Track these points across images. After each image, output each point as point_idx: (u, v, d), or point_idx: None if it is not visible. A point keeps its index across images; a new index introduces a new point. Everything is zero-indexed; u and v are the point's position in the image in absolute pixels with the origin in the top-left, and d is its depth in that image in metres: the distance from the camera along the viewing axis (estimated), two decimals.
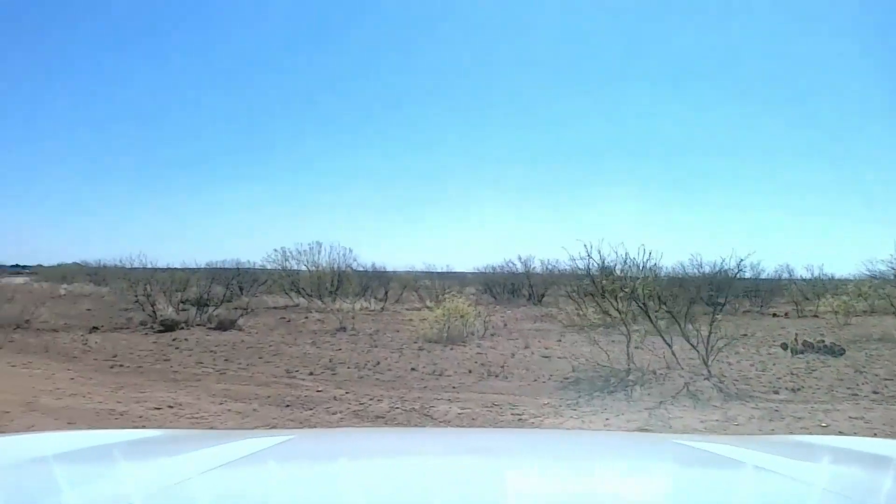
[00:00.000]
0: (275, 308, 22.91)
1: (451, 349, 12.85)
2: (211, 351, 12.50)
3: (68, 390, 8.76)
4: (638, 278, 11.38)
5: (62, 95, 60.86)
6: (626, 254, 11.82)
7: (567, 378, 9.87)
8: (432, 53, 61.25)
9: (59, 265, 45.32)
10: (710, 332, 10.34)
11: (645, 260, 11.88)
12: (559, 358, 11.84)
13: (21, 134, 64.71)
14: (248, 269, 29.38)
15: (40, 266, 52.47)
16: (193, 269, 26.11)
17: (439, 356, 11.92)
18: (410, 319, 19.12)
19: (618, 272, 11.94)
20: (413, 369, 10.49)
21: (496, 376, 10.01)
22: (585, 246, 11.79)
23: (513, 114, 65.41)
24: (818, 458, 2.04)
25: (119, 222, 65.19)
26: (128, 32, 59.13)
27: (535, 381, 9.75)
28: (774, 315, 22.25)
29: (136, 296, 17.62)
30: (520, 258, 30.37)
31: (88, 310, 20.68)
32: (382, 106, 65.90)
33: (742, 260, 11.93)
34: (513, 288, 29.68)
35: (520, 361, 11.39)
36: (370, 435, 3.65)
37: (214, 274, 23.42)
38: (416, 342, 13.77)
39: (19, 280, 30.42)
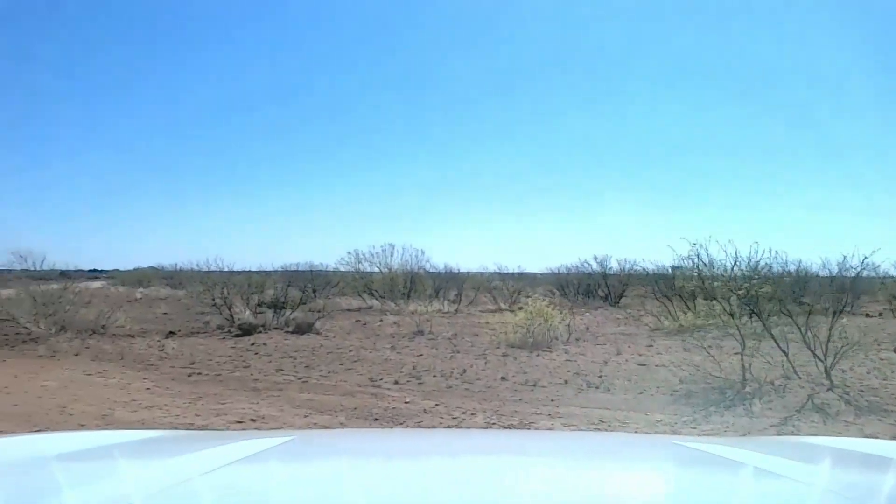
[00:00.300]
0: (349, 310, 22.56)
1: (538, 356, 12.10)
2: (290, 356, 12.07)
3: (144, 402, 8.38)
4: (753, 278, 10.46)
5: (139, 100, 62.64)
6: (737, 252, 10.95)
7: (676, 390, 8.99)
8: (500, 51, 60.31)
9: (136, 269, 46.43)
10: (828, 337, 9.36)
11: (758, 258, 11.00)
12: (658, 366, 10.95)
13: (99, 140, 66.69)
14: (321, 271, 29.27)
15: (117, 270, 53.96)
16: (268, 271, 26.09)
17: (527, 363, 11.18)
18: (487, 322, 18.60)
19: (726, 271, 11.07)
20: (503, 378, 9.78)
21: (596, 388, 9.19)
22: (693, 244, 10.96)
23: (586, 112, 63.73)
24: (818, 458, 2.01)
25: (193, 226, 66.90)
26: (204, 33, 59.97)
27: (641, 393, 8.91)
28: (867, 315, 20.70)
29: (213, 299, 17.41)
30: (595, 258, 29.37)
31: (165, 314, 20.75)
32: (453, 105, 65.81)
33: (867, 258, 10.77)
34: (588, 289, 28.71)
35: (616, 370, 10.53)
36: (370, 435, 3.65)
37: (289, 277, 23.20)
38: (498, 347, 13.10)
39: (96, 284, 30.93)
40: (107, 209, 73.25)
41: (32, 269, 16.98)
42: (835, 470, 1.78)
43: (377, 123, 68.21)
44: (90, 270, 56.02)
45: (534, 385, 9.32)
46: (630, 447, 2.38)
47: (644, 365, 11.19)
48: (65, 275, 21.02)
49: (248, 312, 17.27)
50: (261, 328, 15.75)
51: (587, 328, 16.97)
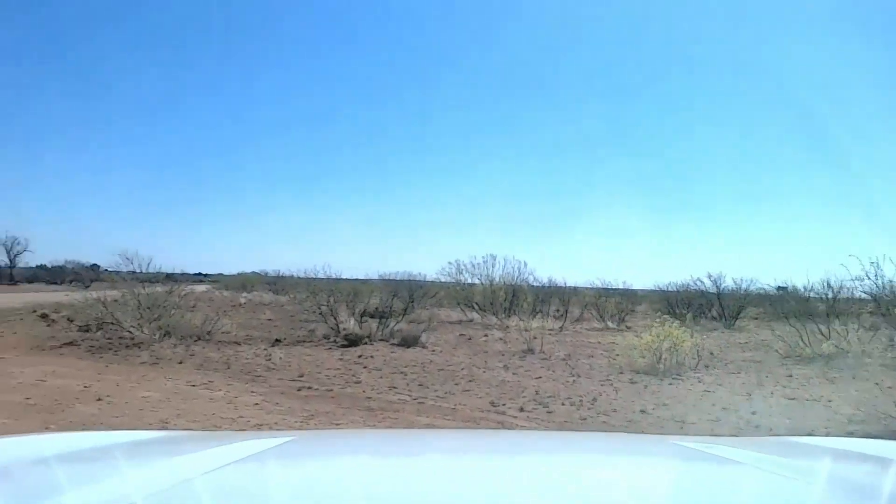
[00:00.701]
0: (449, 322, 21.85)
1: (670, 384, 10.93)
2: (401, 372, 11.37)
3: (253, 419, 7.79)
4: None
5: (247, 105, 64.39)
6: None
7: (851, 432, 7.65)
8: (614, 59, 58.65)
9: (239, 274, 47.43)
10: None
11: None
12: (808, 401, 9.62)
13: (207, 145, 68.92)
14: (419, 281, 28.69)
15: (220, 274, 55.36)
16: (366, 280, 25.73)
17: (662, 393, 10.04)
18: (599, 342, 17.50)
19: None
20: (643, 411, 8.68)
21: (755, 427, 7.92)
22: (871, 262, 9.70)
23: (697, 124, 61.28)
24: (818, 458, 2.00)
25: (295, 232, 68.62)
26: (324, 34, 61.19)
27: (811, 434, 7.64)
28: None
29: (319, 307, 16.96)
30: (709, 275, 27.64)
31: (269, 320, 20.60)
32: (560, 114, 64.63)
33: None
34: (700, 308, 27.04)
35: (767, 406, 9.22)
36: (370, 436, 3.67)
37: (389, 286, 22.64)
38: (621, 372, 11.98)
39: (201, 288, 31.52)
40: (214, 214, 75.82)
41: (139, 271, 16.87)
42: (835, 470, 1.73)
43: (482, 132, 67.77)
44: (195, 274, 57.71)
45: (682, 422, 8.18)
46: (630, 447, 2.41)
47: (794, 399, 9.85)
48: (170, 278, 21.09)
49: (352, 322, 16.70)
50: (366, 339, 15.18)
51: (711, 353, 15.61)
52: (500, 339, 17.29)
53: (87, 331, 15.57)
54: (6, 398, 8.55)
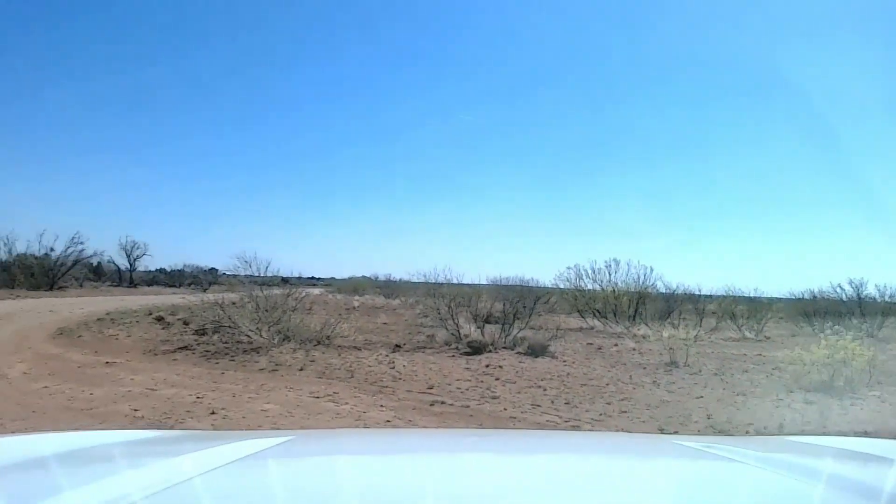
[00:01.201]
0: (569, 330, 20.45)
1: (852, 404, 9.26)
2: (538, 386, 10.15)
3: None
4: None
5: (356, 107, 65.00)
6: None
7: None
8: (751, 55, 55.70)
9: (350, 278, 47.76)
10: None
11: None
12: None
13: (317, 150, 70.01)
14: (532, 287, 27.43)
15: (333, 278, 56.03)
16: (474, 284, 24.68)
17: (851, 416, 8.46)
18: (744, 354, 15.82)
19: None
20: None
21: None
22: None
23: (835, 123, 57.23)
24: (818, 458, 2.02)
25: (406, 237, 68.93)
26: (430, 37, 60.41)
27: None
28: None
29: (438, 311, 16.00)
30: (850, 282, 25.19)
31: (384, 324, 19.82)
32: (685, 115, 61.64)
33: None
34: (838, 316, 24.60)
35: None
36: (369, 436, 3.66)
37: (501, 291, 21.48)
38: (790, 390, 10.30)
39: (315, 291, 31.55)
40: (326, 218, 77.05)
41: (256, 274, 16.45)
42: (835, 470, 1.73)
43: (594, 135, 65.78)
44: (308, 278, 58.59)
45: None
46: (630, 447, 2.41)
47: None
48: (286, 281, 20.70)
49: (473, 328, 15.65)
50: (490, 347, 14.05)
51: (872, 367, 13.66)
52: (634, 349, 15.84)
53: (202, 334, 15.12)
54: (112, 409, 7.97)
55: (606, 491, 1.53)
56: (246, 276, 16.64)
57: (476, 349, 13.72)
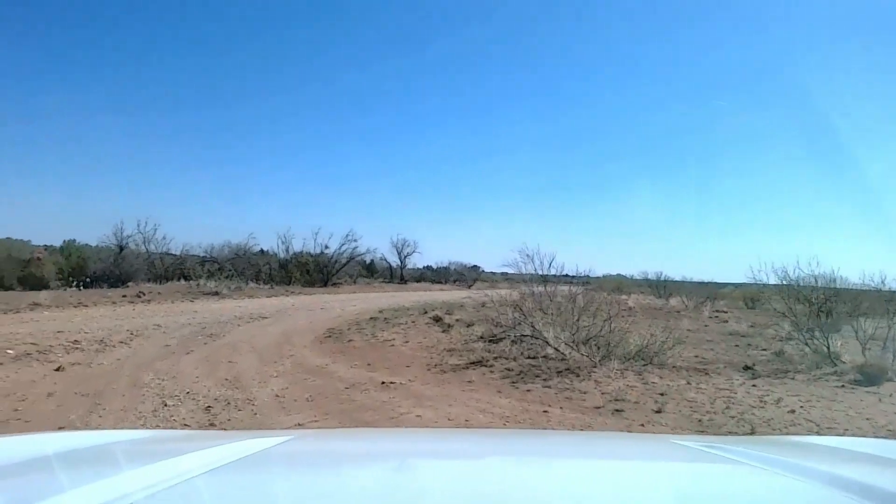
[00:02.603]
0: None
1: None
2: None
3: None
4: None
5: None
6: None
7: None
8: None
9: (604, 276, 45.33)
10: None
11: None
12: None
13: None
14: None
15: (587, 276, 54.03)
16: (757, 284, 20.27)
17: None
18: None
19: None
20: None
21: None
22: None
23: None
24: (818, 458, 2.00)
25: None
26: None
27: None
28: None
29: (795, 318, 12.14)
30: None
31: (689, 331, 16.20)
32: None
33: None
34: None
35: None
36: (370, 435, 3.54)
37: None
38: None
39: (572, 289, 29.23)
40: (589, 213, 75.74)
41: (535, 272, 14.21)
42: (835, 470, 1.67)
43: None
44: (563, 275, 57.67)
45: None
46: (630, 447, 2.41)
47: None
48: (544, 279, 18.05)
49: (841, 344, 11.49)
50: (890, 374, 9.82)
51: None
52: None
53: (493, 341, 12.61)
54: None
55: (606, 491, 1.51)
56: (501, 274, 14.32)
57: (870, 378, 9.64)
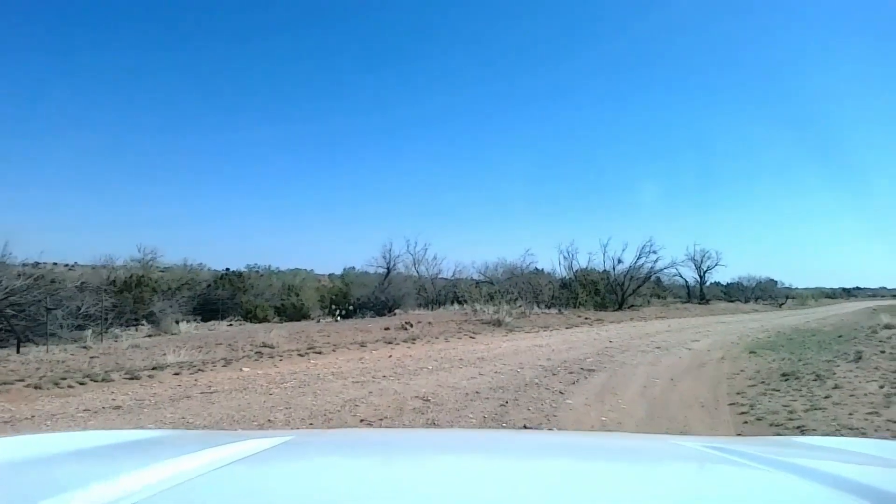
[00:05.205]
0: None
1: None
2: None
3: None
4: None
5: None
6: None
7: None
8: None
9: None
10: None
11: None
12: None
13: None
14: None
15: (883, 288, 47.53)
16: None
17: None
18: None
19: None
20: None
21: None
22: None
23: None
24: (818, 458, 1.98)
25: None
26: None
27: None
28: None
29: None
30: None
31: None
32: None
33: None
34: None
35: None
36: (370, 435, 3.65)
37: None
38: None
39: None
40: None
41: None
42: (835, 470, 1.66)
43: None
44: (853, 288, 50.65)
45: None
46: (631, 447, 2.39)
47: None
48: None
49: None
50: None
51: None
52: None
53: None
54: None
55: (607, 491, 1.47)
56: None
57: None
